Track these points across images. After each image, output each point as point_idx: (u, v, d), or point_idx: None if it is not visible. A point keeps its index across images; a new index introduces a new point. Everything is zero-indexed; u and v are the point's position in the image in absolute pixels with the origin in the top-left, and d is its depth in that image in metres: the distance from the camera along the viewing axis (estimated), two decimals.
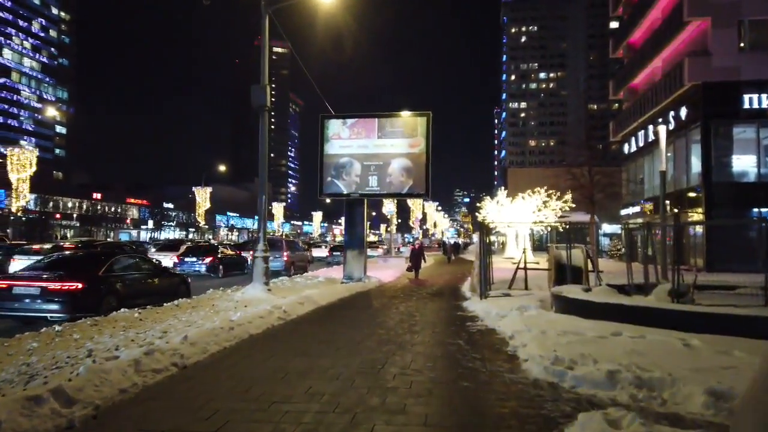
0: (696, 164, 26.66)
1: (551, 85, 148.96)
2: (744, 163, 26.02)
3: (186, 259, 23.71)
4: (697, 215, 25.92)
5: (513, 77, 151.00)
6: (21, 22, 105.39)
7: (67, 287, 9.69)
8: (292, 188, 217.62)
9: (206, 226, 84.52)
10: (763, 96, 24.56)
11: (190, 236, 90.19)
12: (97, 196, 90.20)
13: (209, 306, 10.98)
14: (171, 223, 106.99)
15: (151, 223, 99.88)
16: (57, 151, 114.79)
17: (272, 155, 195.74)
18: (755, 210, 24.90)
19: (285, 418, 4.68)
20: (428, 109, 19.05)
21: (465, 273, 23.98)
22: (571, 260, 13.69)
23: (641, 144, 33.24)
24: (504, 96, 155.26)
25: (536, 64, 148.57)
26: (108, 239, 68.66)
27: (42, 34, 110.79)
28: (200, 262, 23.64)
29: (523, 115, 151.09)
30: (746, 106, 24.95)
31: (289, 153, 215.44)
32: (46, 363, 5.95)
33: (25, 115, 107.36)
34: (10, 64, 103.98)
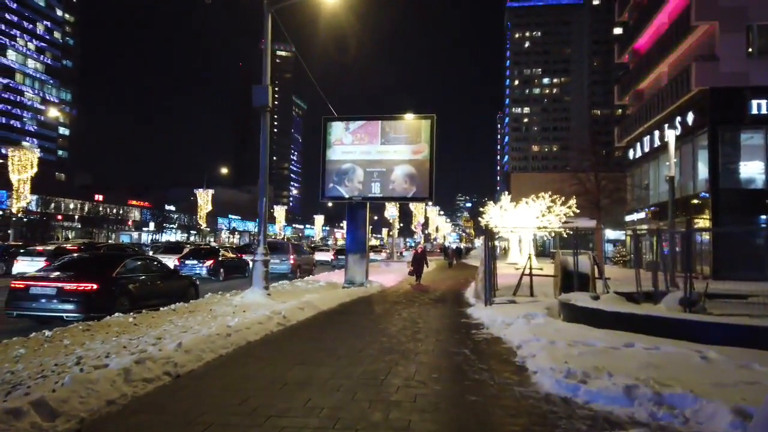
0: (703, 170, 26.34)
1: (554, 90, 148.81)
2: (751, 170, 25.70)
3: (187, 262, 23.45)
4: (703, 222, 25.58)
5: (516, 82, 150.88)
6: (26, 24, 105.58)
7: (82, 288, 9.99)
8: (294, 191, 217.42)
9: (208, 229, 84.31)
10: None
11: (192, 239, 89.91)
12: (99, 197, 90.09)
13: (207, 311, 10.68)
14: (172, 226, 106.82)
15: (152, 225, 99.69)
16: (60, 152, 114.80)
17: (275, 158, 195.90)
18: (763, 217, 24.57)
19: None
20: (431, 114, 18.78)
21: (468, 278, 23.67)
22: (578, 267, 13.40)
23: (647, 149, 32.92)
24: (507, 101, 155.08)
25: (540, 70, 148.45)
26: (109, 241, 68.52)
27: (46, 36, 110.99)
28: (201, 264, 23.40)
29: (526, 120, 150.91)
30: (754, 111, 24.63)
31: (291, 156, 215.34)
32: (32, 371, 5.65)
33: (29, 117, 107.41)
34: (14, 66, 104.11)
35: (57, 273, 10.59)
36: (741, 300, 11.88)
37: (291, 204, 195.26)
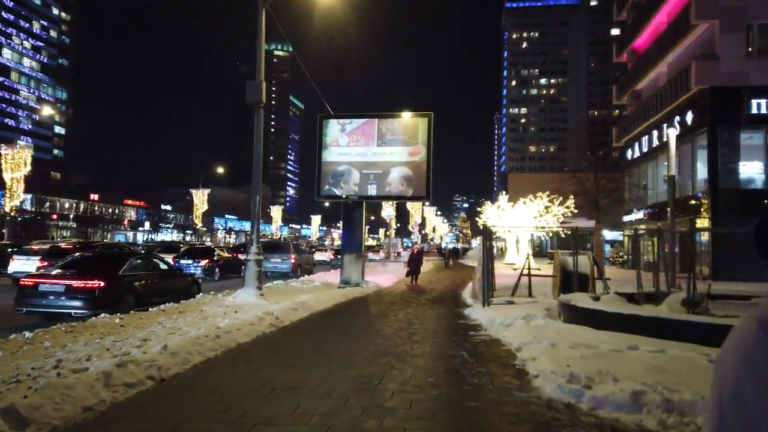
0: (702, 170, 26.12)
1: (552, 91, 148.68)
2: (751, 170, 25.49)
3: (182, 262, 23.13)
4: (702, 222, 25.37)
5: (514, 83, 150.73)
6: (22, 22, 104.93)
7: (90, 285, 10.27)
8: (291, 192, 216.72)
9: (204, 229, 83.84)
10: None
11: (188, 239, 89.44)
12: (95, 197, 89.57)
13: (198, 311, 10.39)
14: (168, 225, 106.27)
15: (147, 225, 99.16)
16: (55, 151, 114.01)
17: (272, 158, 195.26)
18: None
19: None
20: (429, 111, 18.50)
21: (465, 278, 23.41)
22: (577, 267, 13.16)
23: (645, 149, 32.71)
24: (504, 101, 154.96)
25: (537, 70, 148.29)
26: (104, 240, 68.05)
27: (42, 35, 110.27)
28: (196, 264, 23.10)
29: (523, 120, 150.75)
30: (754, 111, 24.42)
31: (288, 156, 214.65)
32: (6, 375, 5.34)
33: (24, 115, 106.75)
34: (9, 64, 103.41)
35: (65, 271, 10.89)
36: (744, 301, 11.66)
37: (288, 204, 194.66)
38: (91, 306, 10.11)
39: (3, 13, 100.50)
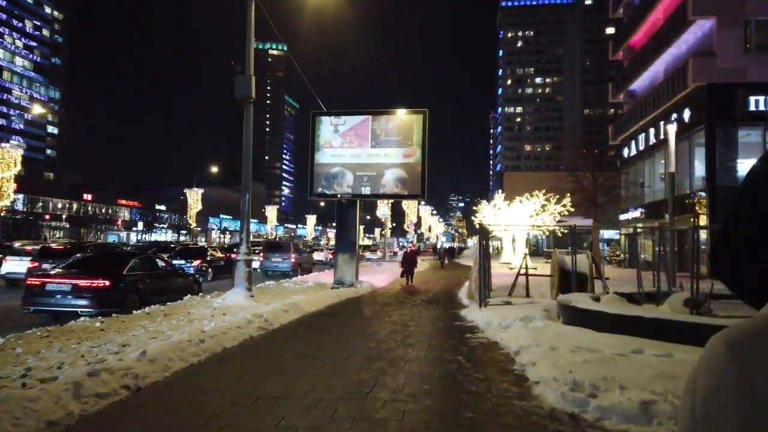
0: (699, 168, 25.88)
1: (547, 90, 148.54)
2: (748, 167, 25.00)
3: (174, 262, 22.75)
4: (701, 219, 25.12)
5: (509, 82, 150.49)
6: (14, 21, 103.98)
7: (96, 284, 10.52)
8: (287, 191, 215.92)
9: (198, 229, 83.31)
10: None
11: (182, 239, 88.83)
12: (88, 197, 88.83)
13: (184, 314, 10.02)
14: (163, 226, 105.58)
15: (140, 225, 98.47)
16: (48, 151, 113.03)
17: (267, 158, 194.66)
18: None
19: None
20: (424, 108, 18.17)
21: (461, 278, 23.09)
22: (576, 266, 12.84)
23: (641, 147, 32.46)
24: (500, 100, 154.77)
25: (532, 69, 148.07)
26: (98, 241, 67.44)
27: (35, 34, 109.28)
28: (189, 264, 22.72)
29: (518, 119, 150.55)
30: (751, 108, 24.19)
31: (284, 156, 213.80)
32: None
33: (16, 115, 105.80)
34: (1, 63, 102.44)
35: (71, 271, 11.14)
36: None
37: (283, 204, 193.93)
38: (98, 305, 10.35)
39: None
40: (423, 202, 61.19)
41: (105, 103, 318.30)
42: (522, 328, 8.80)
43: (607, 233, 43.88)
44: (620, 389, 4.97)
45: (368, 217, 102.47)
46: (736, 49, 24.54)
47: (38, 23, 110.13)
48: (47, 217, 79.90)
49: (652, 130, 30.45)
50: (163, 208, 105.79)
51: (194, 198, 64.38)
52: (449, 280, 23.58)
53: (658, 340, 7.42)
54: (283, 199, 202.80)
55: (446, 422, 4.69)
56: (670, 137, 14.70)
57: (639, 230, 16.78)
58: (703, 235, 24.22)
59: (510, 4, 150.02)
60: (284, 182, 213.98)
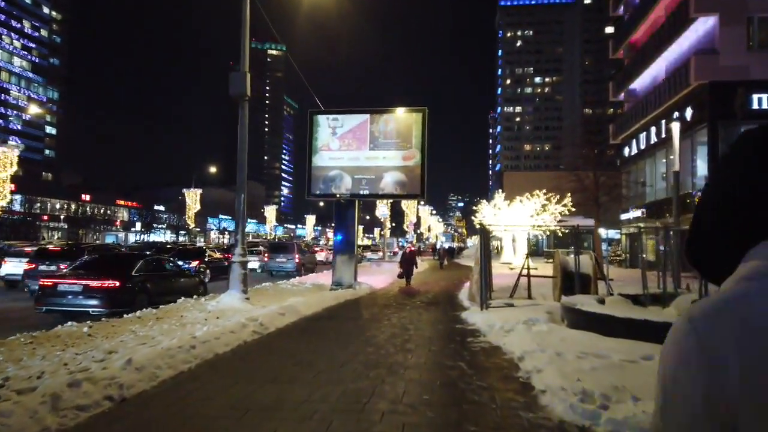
0: (701, 167, 25.59)
1: (546, 89, 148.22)
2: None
3: None
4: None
5: (508, 81, 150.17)
6: (12, 22, 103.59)
7: (106, 285, 10.78)
8: (286, 191, 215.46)
9: (197, 229, 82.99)
10: None
11: (181, 239, 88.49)
12: (86, 197, 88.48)
13: (176, 317, 9.71)
14: (161, 226, 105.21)
15: (139, 226, 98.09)
16: (47, 151, 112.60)
17: (266, 158, 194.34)
18: None
19: None
20: (423, 107, 17.88)
21: (461, 279, 22.80)
22: (578, 267, 12.55)
23: (643, 146, 32.16)
24: (499, 100, 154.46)
25: (531, 69, 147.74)
26: (96, 241, 67.12)
27: (33, 34, 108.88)
28: (186, 266, 22.43)
29: (518, 119, 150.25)
30: (754, 106, 23.89)
31: (283, 156, 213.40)
32: None
33: (14, 115, 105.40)
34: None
35: (82, 272, 11.38)
36: None
37: (282, 204, 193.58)
38: (108, 305, 10.59)
39: None
40: (422, 202, 60.94)
41: (104, 104, 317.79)
42: (525, 332, 8.51)
43: (607, 233, 43.62)
44: (633, 400, 4.68)
45: (367, 217, 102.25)
46: (738, 47, 24.24)
47: (36, 23, 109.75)
48: (45, 217, 79.55)
49: (653, 129, 30.16)
50: (161, 208, 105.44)
51: (193, 198, 64.12)
52: (449, 281, 23.29)
53: None
54: (282, 199, 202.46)
55: None
56: (675, 135, 14.41)
57: (643, 230, 16.46)
58: None
59: (509, 3, 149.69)
60: (283, 182, 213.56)
